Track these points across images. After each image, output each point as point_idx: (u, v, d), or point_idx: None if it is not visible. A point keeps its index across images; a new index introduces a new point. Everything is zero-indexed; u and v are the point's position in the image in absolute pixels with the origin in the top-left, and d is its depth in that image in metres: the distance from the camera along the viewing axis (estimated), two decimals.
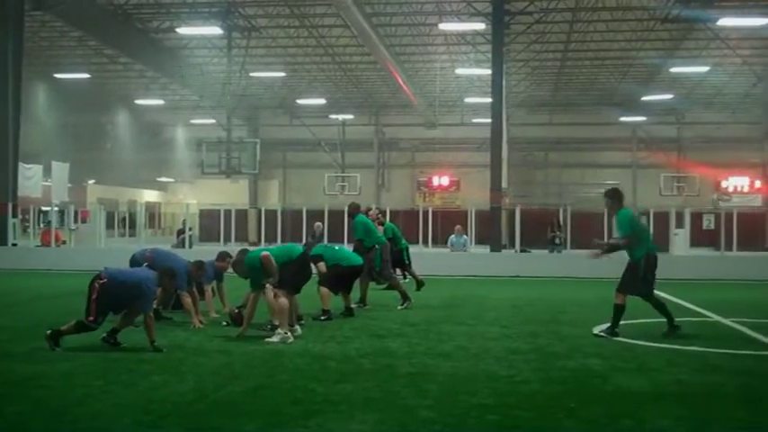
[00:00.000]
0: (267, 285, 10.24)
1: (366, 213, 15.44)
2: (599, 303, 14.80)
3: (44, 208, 31.20)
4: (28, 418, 6.34)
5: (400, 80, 34.10)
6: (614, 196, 11.02)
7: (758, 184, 43.29)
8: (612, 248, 10.87)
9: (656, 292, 10.75)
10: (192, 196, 44.83)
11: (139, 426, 6.15)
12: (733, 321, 12.14)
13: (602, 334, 10.50)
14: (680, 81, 39.47)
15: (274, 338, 9.84)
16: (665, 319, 10.67)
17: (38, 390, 7.23)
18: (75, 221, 28.07)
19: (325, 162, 47.16)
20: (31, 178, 30.20)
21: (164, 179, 50.01)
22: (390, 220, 18.96)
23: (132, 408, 6.59)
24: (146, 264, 11.15)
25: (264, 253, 10.37)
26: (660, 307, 10.68)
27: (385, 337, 10.46)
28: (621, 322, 10.60)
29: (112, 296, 9.31)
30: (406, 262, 17.25)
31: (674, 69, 35.28)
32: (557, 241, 26.29)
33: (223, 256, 12.11)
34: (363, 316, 12.62)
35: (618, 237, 10.74)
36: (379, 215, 17.58)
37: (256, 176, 44.78)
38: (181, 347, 9.48)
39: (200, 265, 11.75)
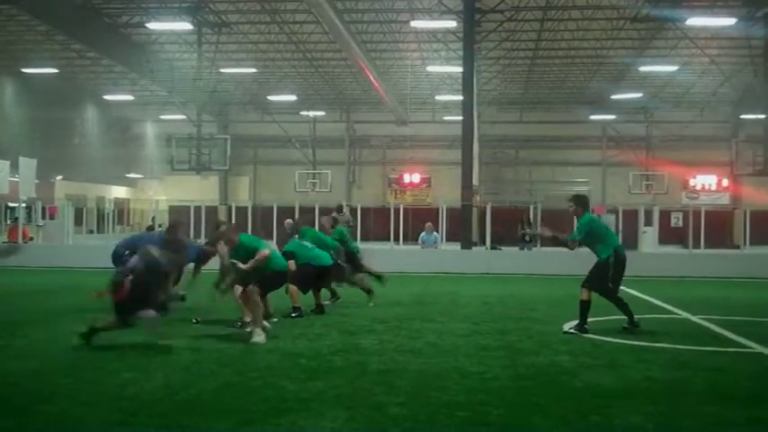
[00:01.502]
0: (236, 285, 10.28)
1: (336, 217, 15.32)
2: (569, 300, 14.89)
3: (11, 204, 30.83)
4: None
5: (372, 77, 34.07)
6: (579, 202, 11.13)
7: (725, 182, 43.81)
8: (557, 242, 10.95)
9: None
10: (161, 192, 44.56)
11: (108, 424, 6.09)
12: (701, 318, 12.27)
13: (571, 331, 10.57)
14: (649, 80, 39.81)
15: (258, 338, 9.64)
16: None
17: (6, 388, 7.14)
18: (43, 218, 27.74)
19: (296, 159, 47.03)
20: None
21: (133, 175, 49.59)
22: (361, 218, 18.94)
23: (101, 406, 6.53)
24: (127, 252, 11.13)
25: (267, 251, 10.30)
26: (622, 306, 10.81)
27: (356, 333, 10.46)
28: (591, 319, 10.68)
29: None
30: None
31: (643, 68, 35.58)
32: (527, 239, 26.41)
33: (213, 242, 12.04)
34: (334, 313, 12.60)
35: (570, 236, 10.84)
36: (334, 221, 16.72)
37: (227, 173, 44.56)
38: (150, 345, 9.40)
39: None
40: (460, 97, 26.88)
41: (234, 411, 6.43)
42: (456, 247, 24.73)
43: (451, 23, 27.84)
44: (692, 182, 44.54)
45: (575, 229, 10.95)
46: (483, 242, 25.33)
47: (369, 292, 13.84)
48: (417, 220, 25.81)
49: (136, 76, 39.09)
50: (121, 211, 41.96)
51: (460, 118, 26.42)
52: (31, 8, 26.85)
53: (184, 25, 29.34)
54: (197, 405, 6.63)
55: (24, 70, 35.63)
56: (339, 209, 23.51)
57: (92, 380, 7.49)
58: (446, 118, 42.28)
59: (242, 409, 6.51)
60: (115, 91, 42.43)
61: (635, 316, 10.82)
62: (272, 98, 43.39)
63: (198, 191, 41.85)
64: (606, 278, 10.59)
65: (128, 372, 7.80)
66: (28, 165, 31.55)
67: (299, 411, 6.40)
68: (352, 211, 26.01)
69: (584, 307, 10.61)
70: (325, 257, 12.73)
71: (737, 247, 28.03)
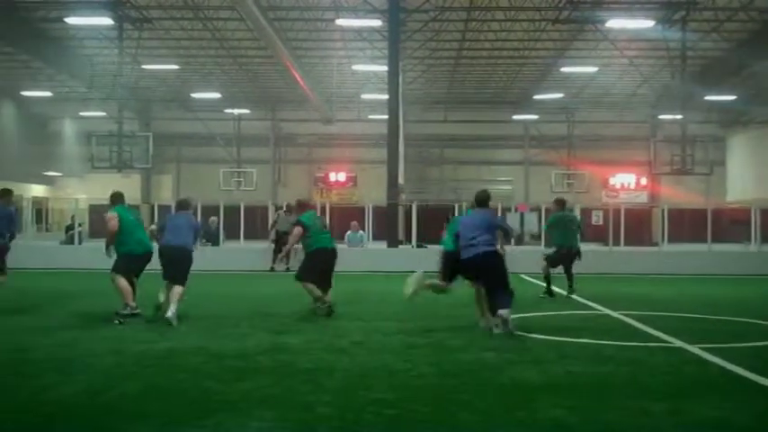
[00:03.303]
0: None
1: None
2: None
3: None
4: None
5: (297, 75, 33.91)
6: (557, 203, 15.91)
7: (644, 181, 44.90)
8: None
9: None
10: (81, 191, 43.57)
11: (27, 430, 5.93)
12: (621, 314, 12.54)
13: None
14: (570, 80, 40.53)
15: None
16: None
17: None
18: None
19: (221, 157, 46.55)
20: None
21: (51, 173, 48.38)
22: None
23: (19, 411, 6.36)
24: None
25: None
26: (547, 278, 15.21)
27: (282, 333, 10.39)
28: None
29: None
30: None
31: (564, 69, 36.20)
32: None
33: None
34: (260, 312, 12.50)
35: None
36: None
37: (149, 171, 43.83)
38: (69, 347, 9.19)
39: None
40: (386, 96, 26.96)
41: (158, 413, 6.32)
42: (382, 245, 24.78)
43: (377, 22, 27.90)
44: (611, 181, 45.56)
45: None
46: (409, 241, 25.44)
47: None
48: (343, 219, 25.78)
49: (54, 71, 38.16)
50: (39, 211, 40.91)
51: (386, 117, 26.51)
52: None
53: (104, 20, 28.70)
54: (120, 408, 6.50)
55: None
56: (288, 208, 23.22)
57: (10, 385, 7.29)
58: (371, 117, 42.34)
59: (166, 410, 6.41)
60: (33, 87, 41.31)
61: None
62: (195, 95, 42.82)
63: (119, 189, 40.94)
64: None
65: (47, 376, 7.61)
66: None
67: (226, 412, 6.33)
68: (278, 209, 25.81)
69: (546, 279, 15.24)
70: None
71: (656, 245, 28.73)
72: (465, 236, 10.59)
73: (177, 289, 11.22)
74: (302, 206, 13.22)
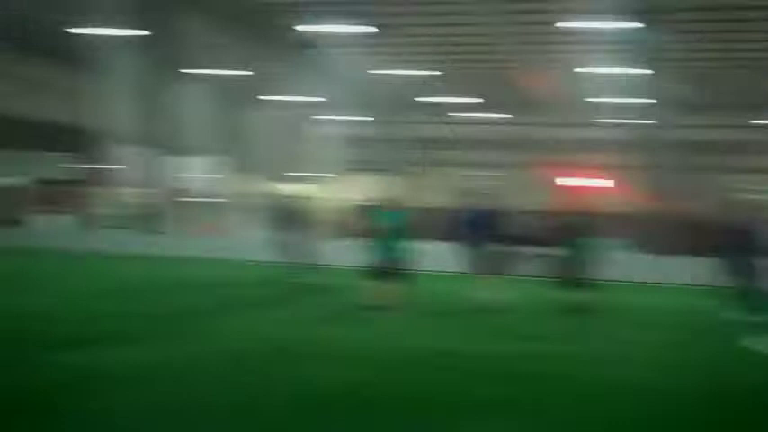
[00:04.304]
0: None
1: None
2: None
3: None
4: None
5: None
6: None
7: None
8: None
9: None
10: (343, 191, 44.80)
11: (293, 414, 6.25)
12: None
13: None
14: None
15: None
16: None
17: None
18: None
19: (467, 160, 46.46)
20: None
21: (306, 174, 49.99)
22: None
23: (282, 398, 6.73)
24: None
25: None
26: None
27: (531, 339, 10.16)
28: None
29: None
30: None
31: None
32: None
33: None
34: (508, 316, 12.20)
35: None
36: None
37: (398, 173, 44.22)
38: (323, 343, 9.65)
39: None
40: (634, 99, 25.61)
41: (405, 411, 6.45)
42: None
43: (632, 24, 26.55)
44: None
45: None
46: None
47: None
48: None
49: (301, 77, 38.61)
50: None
51: (635, 121, 25.24)
52: None
53: (353, 28, 28.18)
54: (375, 402, 6.70)
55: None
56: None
57: (277, 373, 7.65)
58: (622, 120, 40.53)
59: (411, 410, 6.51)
60: (279, 92, 41.61)
61: None
62: (447, 100, 42.56)
63: (374, 191, 41.59)
64: None
65: (309, 366, 7.94)
66: (202, 162, 32.53)
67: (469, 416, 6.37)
68: None
69: None
70: None
71: None
72: None
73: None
74: None
